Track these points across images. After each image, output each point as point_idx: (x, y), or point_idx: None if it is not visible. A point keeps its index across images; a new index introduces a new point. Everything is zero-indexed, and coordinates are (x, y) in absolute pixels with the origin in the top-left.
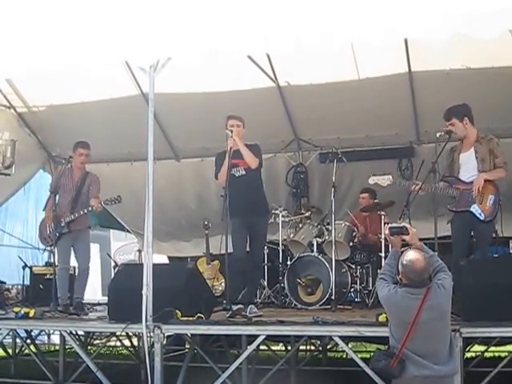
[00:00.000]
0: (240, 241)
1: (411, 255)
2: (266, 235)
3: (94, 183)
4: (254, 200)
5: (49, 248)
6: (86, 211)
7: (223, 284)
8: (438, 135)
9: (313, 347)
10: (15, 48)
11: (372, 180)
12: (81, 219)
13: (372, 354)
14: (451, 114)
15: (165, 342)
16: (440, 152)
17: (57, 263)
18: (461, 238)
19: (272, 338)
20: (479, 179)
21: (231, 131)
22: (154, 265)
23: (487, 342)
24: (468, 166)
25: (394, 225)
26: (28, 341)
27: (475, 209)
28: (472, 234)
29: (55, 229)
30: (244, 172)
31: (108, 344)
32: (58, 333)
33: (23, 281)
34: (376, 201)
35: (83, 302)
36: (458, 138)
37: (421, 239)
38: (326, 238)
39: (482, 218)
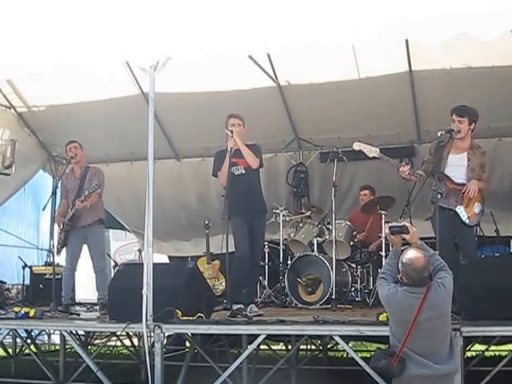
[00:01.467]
0: (243, 238)
1: (411, 254)
2: (264, 234)
3: (95, 176)
4: (252, 199)
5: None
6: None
7: (224, 283)
8: (438, 134)
9: (313, 346)
10: (15, 48)
11: (357, 146)
12: (87, 213)
13: (372, 353)
14: (466, 112)
15: (165, 342)
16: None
17: (64, 262)
18: (447, 234)
19: (272, 338)
20: (473, 185)
21: (231, 131)
22: (155, 264)
23: (488, 341)
24: (456, 169)
25: (395, 224)
26: (28, 341)
27: (460, 210)
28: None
29: (61, 228)
30: (243, 171)
31: (108, 344)
32: (58, 332)
33: (23, 281)
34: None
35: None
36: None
37: (421, 238)
38: (327, 237)
39: (466, 221)
